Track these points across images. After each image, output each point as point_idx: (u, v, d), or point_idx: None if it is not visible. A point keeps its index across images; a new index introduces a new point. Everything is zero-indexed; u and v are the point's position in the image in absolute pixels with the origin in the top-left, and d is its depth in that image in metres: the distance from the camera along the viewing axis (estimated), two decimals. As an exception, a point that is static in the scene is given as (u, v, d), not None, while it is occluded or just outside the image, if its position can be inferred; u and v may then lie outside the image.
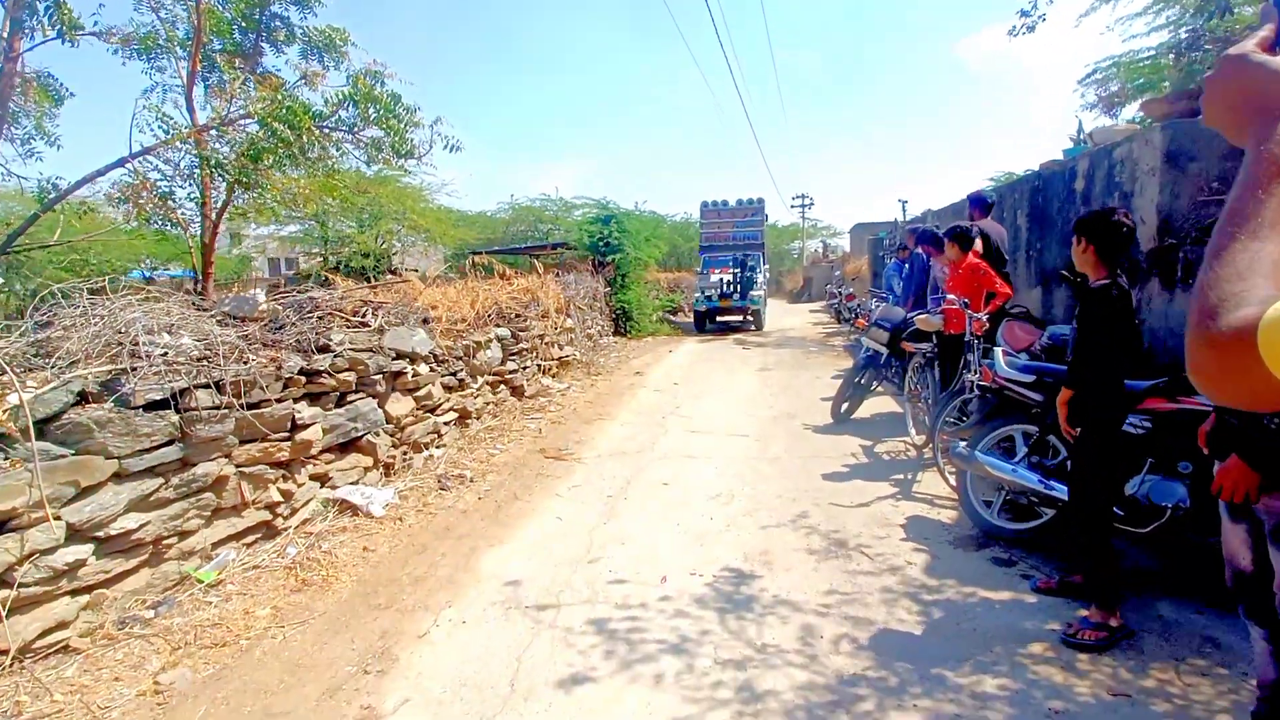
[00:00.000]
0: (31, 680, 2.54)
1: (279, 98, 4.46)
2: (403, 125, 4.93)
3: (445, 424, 5.74)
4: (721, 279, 15.95)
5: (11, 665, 2.57)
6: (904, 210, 19.89)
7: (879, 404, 6.81)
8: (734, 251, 17.18)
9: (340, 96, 4.77)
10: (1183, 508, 2.85)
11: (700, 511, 4.16)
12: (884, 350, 6.10)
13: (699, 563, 3.45)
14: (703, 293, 15.76)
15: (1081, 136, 7.00)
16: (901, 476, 4.71)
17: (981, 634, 2.69)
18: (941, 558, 3.41)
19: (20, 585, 2.61)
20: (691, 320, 16.52)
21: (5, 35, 4.82)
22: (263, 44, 6.26)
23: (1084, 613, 2.72)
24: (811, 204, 46.14)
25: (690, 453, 5.49)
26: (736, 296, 15.39)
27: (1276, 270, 0.54)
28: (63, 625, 2.78)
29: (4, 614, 2.57)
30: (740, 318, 15.91)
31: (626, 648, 2.71)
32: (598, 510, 4.28)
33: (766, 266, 19.01)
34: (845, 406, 6.34)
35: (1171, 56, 8.31)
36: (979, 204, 6.05)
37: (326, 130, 4.98)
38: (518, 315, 7.90)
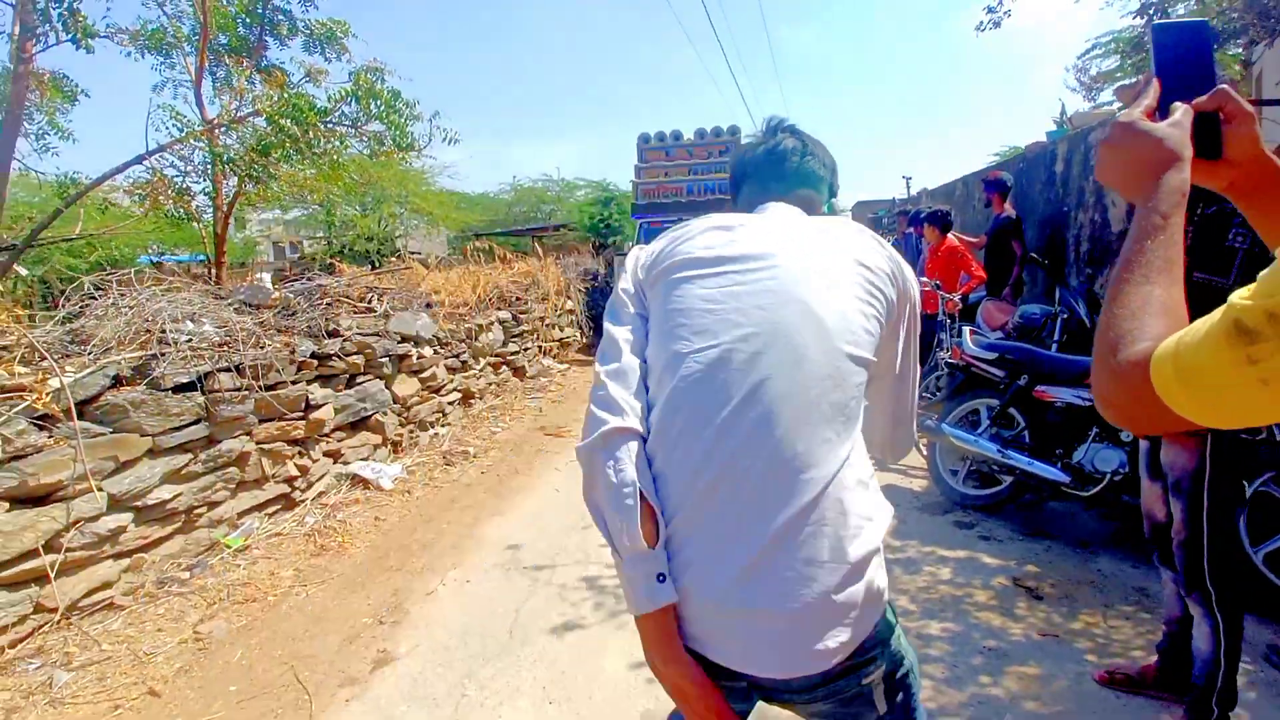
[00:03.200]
0: (80, 634, 2.84)
1: (285, 95, 4.69)
2: (403, 120, 5.17)
3: (449, 404, 6.02)
4: None
5: (60, 622, 2.86)
6: (908, 187, 19.96)
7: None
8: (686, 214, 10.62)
9: (343, 93, 5.01)
10: (1121, 472, 3.11)
11: (688, 482, 4.44)
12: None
13: (684, 528, 3.73)
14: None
15: (1064, 119, 7.14)
16: (880, 449, 4.96)
17: (933, 586, 2.97)
18: (908, 522, 3.68)
19: (67, 550, 2.89)
20: None
21: (16, 38, 5.02)
22: (266, 38, 6.46)
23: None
24: (814, 181, 45.72)
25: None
26: None
27: (1164, 310, 0.59)
28: (107, 585, 3.06)
29: (53, 575, 2.88)
30: None
31: (614, 600, 3.00)
32: (593, 482, 4.55)
33: None
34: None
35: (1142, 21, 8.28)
36: (997, 187, 5.37)
37: (331, 125, 5.22)
38: (518, 299, 8.14)
